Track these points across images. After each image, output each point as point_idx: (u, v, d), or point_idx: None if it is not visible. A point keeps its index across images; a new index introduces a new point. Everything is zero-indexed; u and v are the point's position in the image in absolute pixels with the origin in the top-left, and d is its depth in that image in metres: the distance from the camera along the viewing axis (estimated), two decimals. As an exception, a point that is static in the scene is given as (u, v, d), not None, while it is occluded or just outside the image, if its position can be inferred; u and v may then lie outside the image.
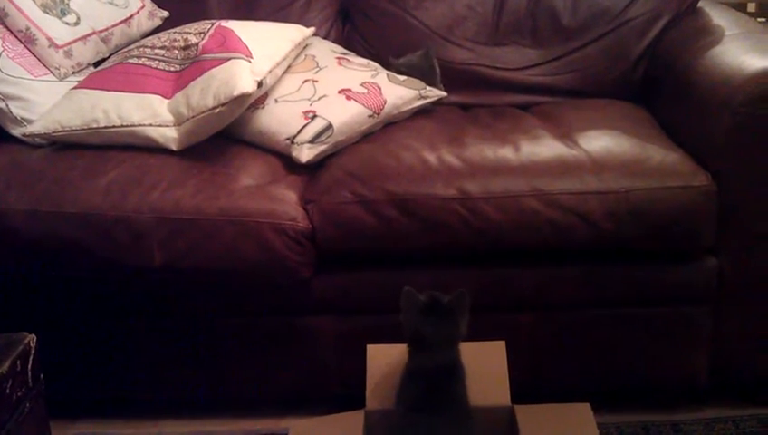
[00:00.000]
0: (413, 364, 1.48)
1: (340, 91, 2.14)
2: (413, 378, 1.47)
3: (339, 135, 2.05)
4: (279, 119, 2.09)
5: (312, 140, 2.02)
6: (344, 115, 2.08)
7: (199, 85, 2.04)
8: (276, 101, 2.13)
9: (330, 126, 2.03)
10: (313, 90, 2.16)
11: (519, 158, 1.98)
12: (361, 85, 2.18)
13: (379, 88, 2.19)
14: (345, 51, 2.49)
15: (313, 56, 2.33)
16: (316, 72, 2.25)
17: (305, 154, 2.02)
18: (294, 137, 2.04)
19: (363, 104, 2.11)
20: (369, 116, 2.12)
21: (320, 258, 1.95)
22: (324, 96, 2.13)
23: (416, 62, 2.39)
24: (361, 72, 2.27)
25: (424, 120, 2.25)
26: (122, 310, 2.02)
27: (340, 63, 2.32)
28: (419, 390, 1.45)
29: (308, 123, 2.04)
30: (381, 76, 2.26)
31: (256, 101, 2.11)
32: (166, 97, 2.11)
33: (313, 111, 2.07)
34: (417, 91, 2.25)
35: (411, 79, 2.29)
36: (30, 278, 1.98)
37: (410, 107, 2.24)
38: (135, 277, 1.95)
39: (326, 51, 2.41)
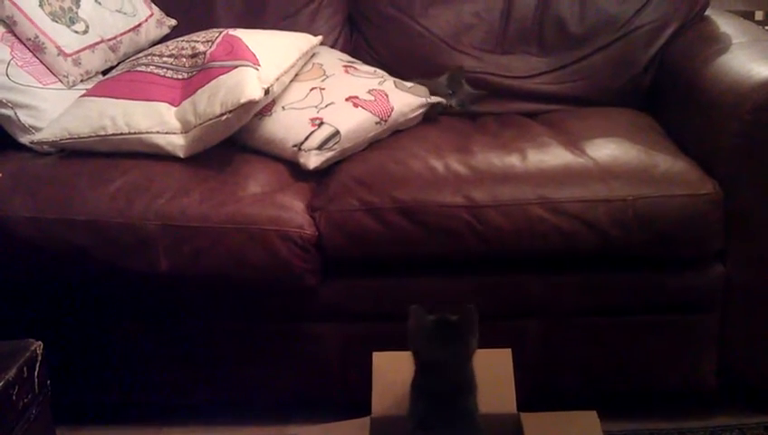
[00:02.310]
0: (423, 383, 1.47)
1: (347, 99, 2.15)
2: (423, 396, 1.46)
3: (346, 142, 2.05)
4: (286, 126, 2.09)
5: (320, 147, 2.02)
6: (351, 122, 2.08)
7: (206, 93, 2.04)
8: (283, 108, 2.14)
9: (337, 133, 2.03)
10: (321, 97, 2.17)
11: (526, 165, 1.98)
12: (368, 92, 2.18)
13: (386, 95, 2.19)
14: (352, 59, 2.49)
15: (321, 64, 2.34)
16: (323, 81, 2.25)
17: (312, 161, 2.02)
18: (302, 144, 2.04)
19: (370, 111, 2.12)
20: (377, 123, 2.12)
21: (326, 265, 1.95)
22: (331, 103, 2.13)
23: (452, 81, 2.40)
24: (368, 80, 2.27)
25: (431, 127, 2.25)
26: (127, 315, 2.03)
27: (347, 71, 2.32)
28: (429, 408, 1.44)
29: (315, 130, 2.04)
30: (388, 83, 2.27)
31: (264, 108, 2.12)
32: (173, 105, 2.11)
33: (320, 118, 2.07)
34: (423, 99, 2.25)
35: (417, 86, 2.30)
36: (35, 284, 1.99)
37: (417, 114, 2.24)
38: (140, 284, 1.95)
39: (333, 59, 2.41)
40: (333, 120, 2.07)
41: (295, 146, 2.05)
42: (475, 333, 1.46)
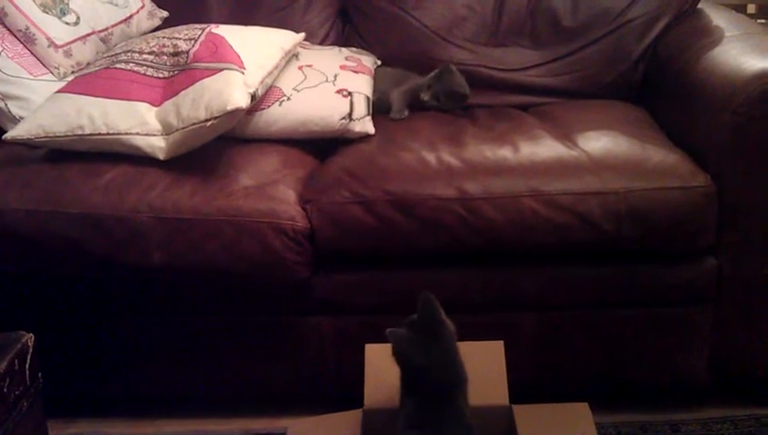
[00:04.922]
0: (411, 385, 1.46)
1: (341, 68, 2.28)
2: (412, 397, 1.45)
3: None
4: (316, 105, 2.14)
5: (368, 113, 2.15)
6: (366, 86, 2.25)
7: (190, 95, 1.98)
8: (297, 90, 2.17)
9: (368, 97, 2.20)
10: (320, 73, 2.24)
11: (518, 158, 1.98)
12: (347, 59, 2.36)
13: (359, 59, 2.40)
14: None
15: None
16: (298, 59, 2.32)
17: (369, 126, 2.14)
18: (350, 114, 2.12)
19: (366, 74, 2.31)
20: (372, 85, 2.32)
21: (318, 258, 1.95)
22: (337, 75, 2.24)
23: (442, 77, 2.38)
24: (332, 50, 2.49)
25: (423, 120, 2.26)
26: (121, 308, 2.02)
27: (305, 48, 2.44)
28: (419, 408, 1.43)
29: (352, 100, 2.14)
30: (346, 50, 2.48)
31: (268, 99, 2.13)
32: (154, 105, 2.04)
33: (346, 89, 2.17)
34: (373, 58, 2.50)
35: (358, 49, 2.54)
36: (28, 277, 1.98)
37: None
38: (133, 276, 1.95)
39: None
40: (355, 87, 2.20)
41: (344, 118, 2.12)
42: (440, 315, 1.44)
